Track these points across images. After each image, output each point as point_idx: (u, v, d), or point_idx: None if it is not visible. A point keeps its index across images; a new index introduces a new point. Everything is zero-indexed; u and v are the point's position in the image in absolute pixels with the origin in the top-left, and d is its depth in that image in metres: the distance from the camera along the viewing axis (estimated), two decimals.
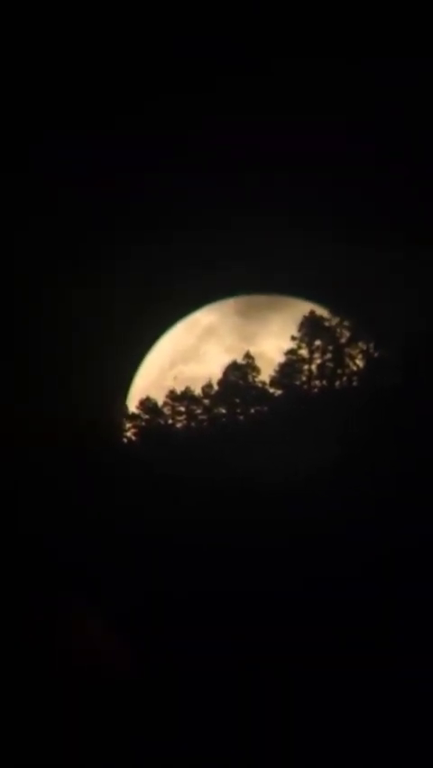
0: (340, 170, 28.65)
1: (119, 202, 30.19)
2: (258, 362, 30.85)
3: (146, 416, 30.66)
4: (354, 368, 29.74)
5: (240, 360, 30.90)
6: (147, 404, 30.87)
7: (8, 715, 21.47)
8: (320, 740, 21.38)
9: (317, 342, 30.09)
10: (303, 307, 31.01)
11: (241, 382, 30.30)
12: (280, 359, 30.40)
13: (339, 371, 29.77)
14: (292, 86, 27.56)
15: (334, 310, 30.41)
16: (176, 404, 30.67)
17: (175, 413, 30.59)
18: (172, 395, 30.82)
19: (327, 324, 30.18)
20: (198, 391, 30.92)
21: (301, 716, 22.19)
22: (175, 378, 31.81)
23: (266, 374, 30.47)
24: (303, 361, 30.12)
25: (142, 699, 22.71)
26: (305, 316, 30.30)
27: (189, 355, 32.38)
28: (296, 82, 27.42)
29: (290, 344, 30.43)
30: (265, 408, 30.11)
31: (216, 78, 27.06)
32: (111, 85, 26.89)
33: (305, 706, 22.49)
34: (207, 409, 30.46)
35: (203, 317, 32.69)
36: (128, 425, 30.67)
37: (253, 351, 31.40)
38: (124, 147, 28.73)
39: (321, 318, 30.26)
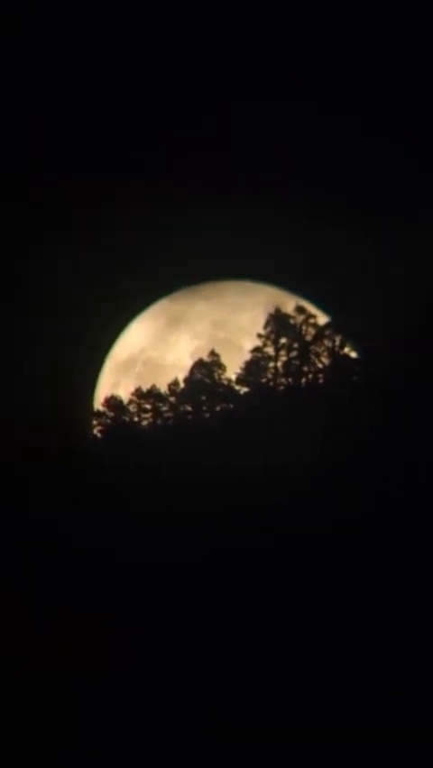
0: (324, 158, 28.62)
1: (82, 187, 29.99)
2: (228, 349, 30.86)
3: (111, 414, 30.52)
4: (321, 365, 29.81)
5: (210, 347, 30.92)
6: (112, 401, 30.72)
7: (8, 719, 21.50)
8: (320, 741, 21.62)
9: (283, 340, 30.13)
10: (273, 294, 31.07)
11: (207, 380, 30.26)
12: (249, 350, 30.46)
13: (305, 369, 29.83)
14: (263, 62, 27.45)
15: (303, 303, 30.49)
16: (142, 401, 30.57)
17: (141, 410, 30.49)
18: (138, 392, 30.71)
19: (292, 321, 30.21)
20: (164, 385, 30.86)
21: (301, 717, 22.38)
22: (144, 364, 31.69)
23: (235, 363, 30.51)
24: (269, 358, 30.15)
25: (140, 704, 22.81)
26: (270, 314, 30.33)
27: (158, 343, 32.23)
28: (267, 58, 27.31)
29: (256, 341, 30.48)
30: (231, 406, 30.11)
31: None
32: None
33: (305, 706, 22.70)
34: (172, 407, 30.39)
35: (171, 305, 32.55)
36: (94, 423, 30.53)
37: (222, 337, 31.45)
38: (80, 136, 28.51)
39: (287, 315, 30.28)
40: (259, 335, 30.26)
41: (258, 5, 25.96)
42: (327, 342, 29.75)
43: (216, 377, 30.31)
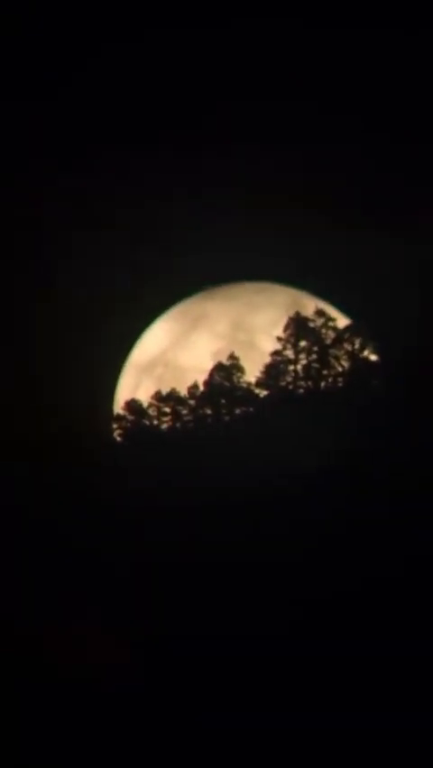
0: (348, 162, 28.41)
1: (102, 192, 29.98)
2: (248, 350, 30.76)
3: (132, 418, 30.54)
4: (340, 369, 29.67)
5: (229, 349, 30.83)
6: (133, 405, 30.75)
7: (13, 720, 21.65)
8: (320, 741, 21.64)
9: (303, 344, 29.99)
10: (294, 295, 31.02)
11: (226, 383, 30.18)
12: (270, 351, 30.34)
13: (325, 372, 29.70)
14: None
15: (322, 306, 30.43)
16: (161, 404, 30.55)
17: (161, 414, 30.48)
18: (158, 395, 30.69)
19: (312, 324, 30.07)
20: (184, 388, 30.80)
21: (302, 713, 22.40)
22: (164, 366, 31.73)
23: (256, 365, 30.38)
24: (289, 362, 30.03)
25: (144, 702, 22.89)
26: (290, 317, 30.21)
27: (178, 345, 32.26)
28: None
29: (275, 342, 30.38)
30: (251, 409, 30.02)
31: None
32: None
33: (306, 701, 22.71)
34: (192, 410, 30.35)
35: (194, 306, 32.57)
36: (114, 427, 30.60)
37: (241, 338, 31.37)
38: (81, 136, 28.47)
39: (306, 318, 30.16)
40: (279, 338, 30.18)
41: (258, 5, 25.80)
42: (347, 346, 29.62)
43: (236, 380, 30.23)
